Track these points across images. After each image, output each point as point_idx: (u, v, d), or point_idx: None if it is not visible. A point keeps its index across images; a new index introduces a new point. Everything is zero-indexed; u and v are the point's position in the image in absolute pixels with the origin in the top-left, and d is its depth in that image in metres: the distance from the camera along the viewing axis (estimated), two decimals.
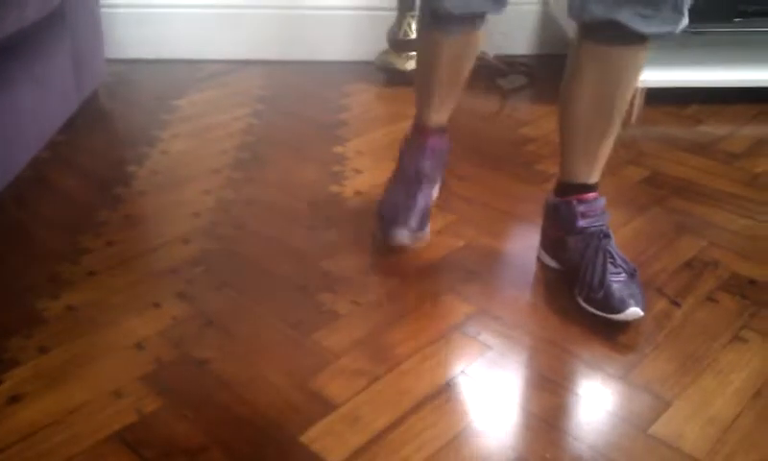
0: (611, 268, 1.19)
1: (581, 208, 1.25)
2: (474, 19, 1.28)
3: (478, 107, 2.08)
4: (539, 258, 1.36)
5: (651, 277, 1.31)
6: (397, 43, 2.17)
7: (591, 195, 1.27)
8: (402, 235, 1.33)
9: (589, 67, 1.19)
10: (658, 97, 2.03)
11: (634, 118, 2.00)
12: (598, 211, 1.25)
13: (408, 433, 0.99)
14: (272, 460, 0.94)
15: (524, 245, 1.41)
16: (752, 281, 1.30)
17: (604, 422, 1.01)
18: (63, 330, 1.16)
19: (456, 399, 1.05)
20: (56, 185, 1.62)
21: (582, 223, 1.24)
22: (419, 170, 1.38)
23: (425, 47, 1.37)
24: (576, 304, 1.22)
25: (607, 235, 1.23)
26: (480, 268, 1.34)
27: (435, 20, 1.28)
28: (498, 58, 2.27)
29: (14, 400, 1.03)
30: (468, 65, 1.37)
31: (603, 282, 1.18)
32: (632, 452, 0.96)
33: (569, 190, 1.28)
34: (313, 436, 0.98)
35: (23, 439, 0.97)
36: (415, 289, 1.28)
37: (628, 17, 1.09)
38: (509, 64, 2.25)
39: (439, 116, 1.40)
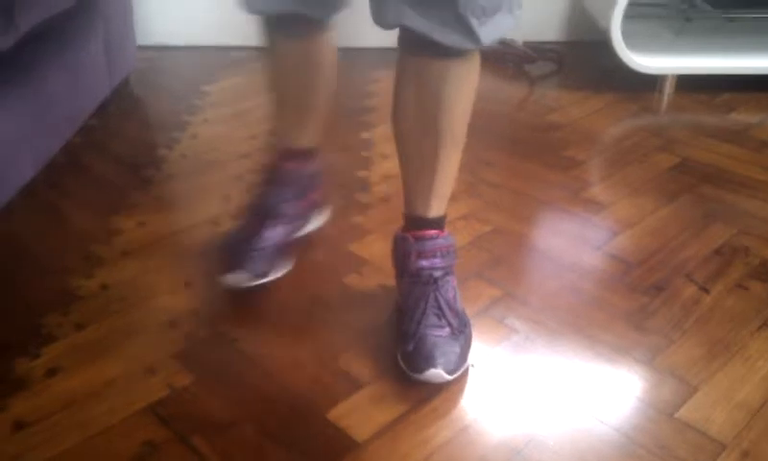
0: (433, 320, 1.03)
1: (416, 247, 1.08)
2: (309, 25, 1.15)
3: (506, 93, 2.07)
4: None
5: (680, 263, 1.30)
6: None
7: (430, 232, 1.09)
8: (239, 279, 1.17)
9: (407, 81, 1.05)
10: (689, 84, 2.01)
11: (664, 106, 1.99)
12: (437, 253, 1.08)
13: (433, 413, 1.00)
14: (300, 436, 0.96)
15: (551, 230, 1.41)
16: None
17: (630, 405, 1.01)
18: (98, 308, 1.19)
19: (481, 380, 1.06)
20: (88, 169, 1.65)
21: (416, 264, 1.08)
22: (267, 203, 1.22)
23: (264, 56, 1.23)
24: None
25: (435, 281, 1.06)
26: (507, 253, 1.34)
27: (267, 26, 1.18)
28: (527, 44, 2.26)
29: (52, 373, 1.06)
30: (319, 79, 1.22)
31: (416, 334, 1.03)
32: (658, 435, 0.96)
33: (408, 224, 1.13)
34: (340, 413, 0.99)
35: (60, 410, 0.99)
36: None
37: (418, 24, 0.94)
38: (537, 51, 2.24)
39: (296, 135, 1.25)
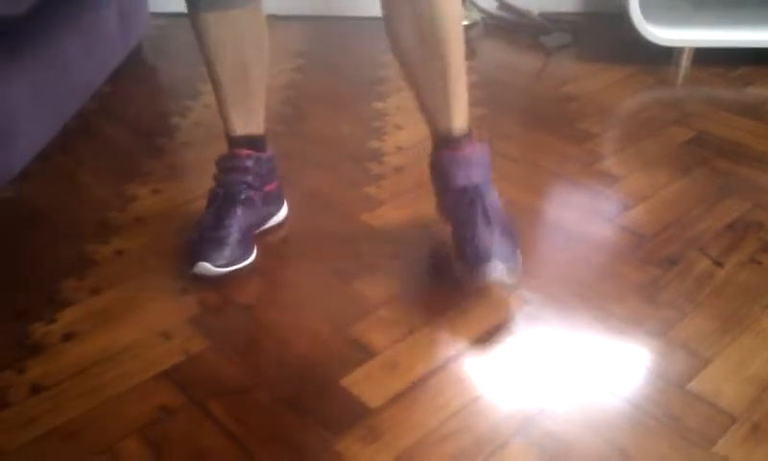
0: (483, 227, 1.10)
1: (454, 165, 1.14)
2: None
3: (521, 64, 2.05)
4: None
5: (694, 237, 1.30)
6: None
7: (464, 149, 1.14)
8: (204, 269, 1.15)
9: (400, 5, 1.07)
10: (706, 58, 1.98)
11: (680, 79, 1.96)
12: (474, 166, 1.14)
13: (445, 381, 1.01)
14: (313, 402, 0.97)
15: (564, 203, 1.41)
16: None
17: (641, 377, 1.02)
18: (114, 273, 1.20)
19: (493, 351, 1.06)
20: (102, 135, 1.66)
21: (457, 181, 1.13)
22: (227, 191, 1.21)
23: (194, 32, 1.20)
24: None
25: (480, 192, 1.13)
26: (520, 224, 1.34)
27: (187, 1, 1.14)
28: (543, 15, 2.24)
29: (68, 337, 1.07)
30: (252, 55, 1.19)
31: (472, 240, 1.10)
32: (668, 407, 0.96)
33: (439, 144, 1.17)
34: (353, 381, 1.00)
35: (77, 374, 1.01)
36: None
37: None
38: (553, 22, 2.22)
39: (242, 123, 1.23)
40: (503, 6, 2.28)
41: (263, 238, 1.29)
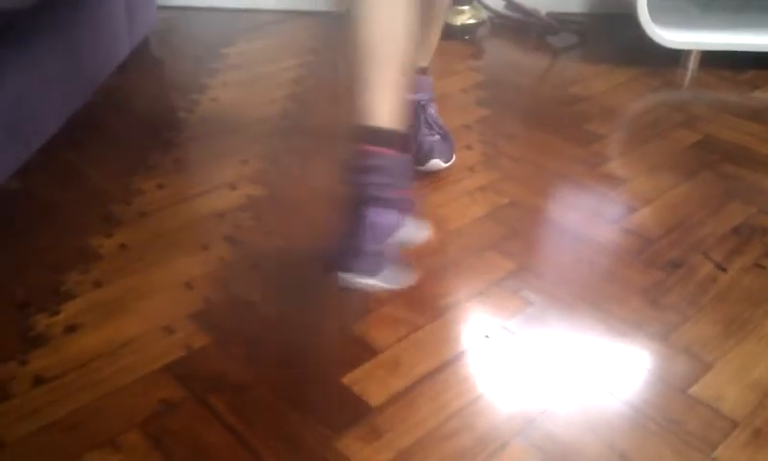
0: (425, 130, 1.44)
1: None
2: None
3: (528, 64, 2.05)
4: None
5: (698, 241, 1.30)
6: None
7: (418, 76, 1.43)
8: (347, 279, 1.01)
9: None
10: (713, 61, 1.98)
11: (687, 82, 1.96)
12: (419, 91, 1.45)
13: (447, 381, 1.01)
14: (315, 399, 0.97)
15: (569, 204, 1.41)
16: None
17: (642, 380, 1.02)
18: (117, 267, 1.20)
19: (495, 351, 1.06)
20: (108, 128, 1.66)
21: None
22: (363, 192, 1.03)
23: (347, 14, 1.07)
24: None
25: (422, 107, 1.45)
26: (524, 226, 1.34)
27: None
28: (550, 15, 2.24)
29: (71, 330, 1.07)
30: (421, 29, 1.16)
31: (416, 139, 1.42)
32: (669, 410, 0.96)
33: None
34: (355, 378, 1.00)
35: (79, 367, 1.01)
36: (457, 244, 1.29)
37: None
38: (561, 22, 2.21)
39: (382, 110, 1.07)
40: (510, 5, 2.27)
41: (267, 235, 1.29)
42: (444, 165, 1.46)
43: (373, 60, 1.00)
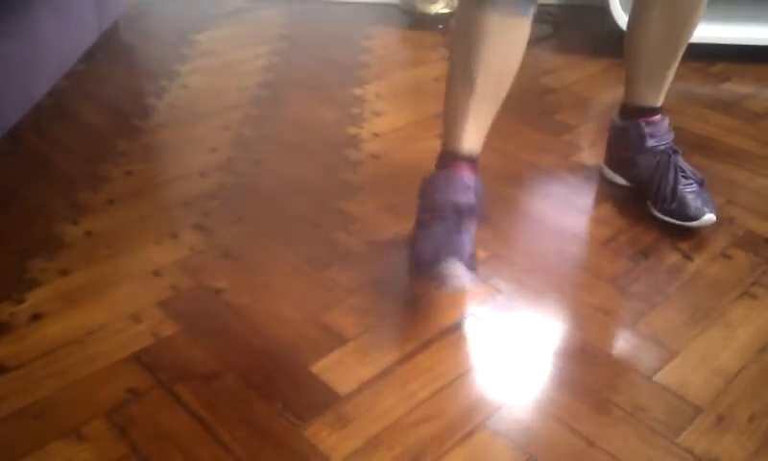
0: (682, 180, 1.30)
1: (648, 130, 1.34)
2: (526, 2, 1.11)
3: None
4: (602, 174, 1.46)
5: (666, 231, 1.31)
6: None
7: (657, 117, 1.36)
8: (453, 269, 1.03)
9: (660, 7, 1.26)
10: (685, 53, 1.99)
11: None
12: (664, 131, 1.35)
13: (415, 370, 1.01)
14: (283, 388, 0.97)
15: (539, 193, 1.41)
16: (767, 240, 1.30)
17: (609, 366, 1.03)
18: (83, 255, 1.19)
19: (463, 339, 1.07)
20: (75, 115, 1.63)
21: (650, 142, 1.34)
22: (456, 203, 1.09)
23: (460, 33, 1.12)
24: (649, 215, 1.33)
25: (675, 151, 1.33)
26: (494, 214, 1.34)
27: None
28: None
29: (36, 318, 1.06)
30: (513, 68, 1.14)
31: (675, 193, 1.29)
32: (635, 397, 0.97)
33: (635, 114, 1.36)
34: (323, 367, 1.00)
35: (44, 355, 1.00)
36: None
37: None
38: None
39: (472, 138, 1.16)
40: None
41: (236, 223, 1.28)
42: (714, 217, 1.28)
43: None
